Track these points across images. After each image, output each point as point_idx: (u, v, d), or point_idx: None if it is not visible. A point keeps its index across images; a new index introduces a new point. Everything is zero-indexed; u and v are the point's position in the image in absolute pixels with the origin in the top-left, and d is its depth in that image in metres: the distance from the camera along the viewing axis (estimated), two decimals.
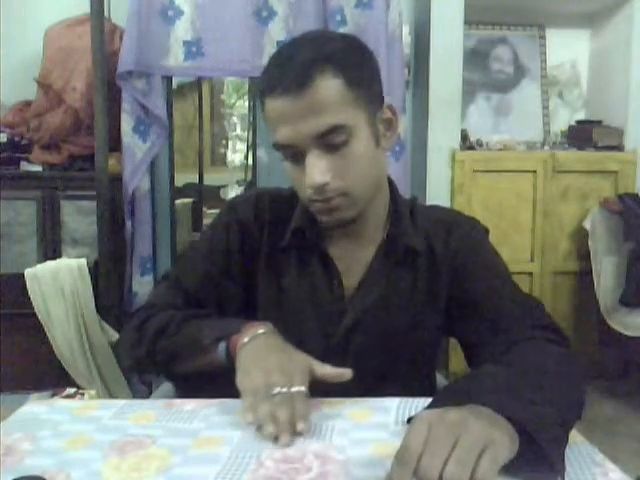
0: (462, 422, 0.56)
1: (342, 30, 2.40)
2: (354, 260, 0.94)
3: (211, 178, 3.16)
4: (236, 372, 0.77)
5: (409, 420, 0.72)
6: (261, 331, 0.80)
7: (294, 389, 0.72)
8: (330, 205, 0.84)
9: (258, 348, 0.78)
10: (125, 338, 0.98)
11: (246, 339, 0.79)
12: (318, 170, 0.81)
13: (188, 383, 0.91)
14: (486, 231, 1.00)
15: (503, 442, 0.56)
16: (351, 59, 0.82)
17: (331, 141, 0.80)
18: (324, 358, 0.92)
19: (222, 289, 0.96)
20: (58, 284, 2.14)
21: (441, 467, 0.52)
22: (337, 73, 0.79)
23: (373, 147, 0.86)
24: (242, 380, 0.75)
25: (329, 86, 0.79)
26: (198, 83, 2.96)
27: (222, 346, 0.82)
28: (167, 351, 0.90)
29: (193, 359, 0.87)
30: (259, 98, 0.85)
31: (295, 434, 0.69)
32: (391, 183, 0.97)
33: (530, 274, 2.79)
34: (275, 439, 0.69)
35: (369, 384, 0.87)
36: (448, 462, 0.53)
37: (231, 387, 0.76)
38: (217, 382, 0.83)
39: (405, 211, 0.96)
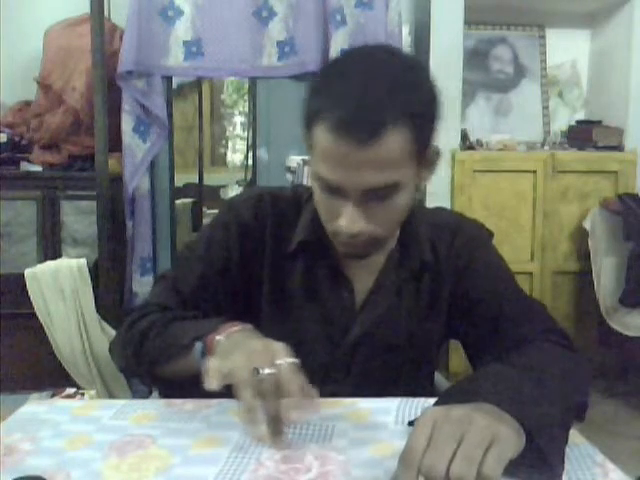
0: (467, 418, 0.55)
1: (342, 30, 2.41)
2: (363, 267, 0.92)
3: (211, 178, 3.15)
4: (210, 358, 0.71)
5: (410, 422, 0.72)
6: (238, 328, 0.76)
7: (280, 361, 0.66)
8: (356, 243, 0.82)
9: (236, 339, 0.74)
10: (117, 339, 0.96)
11: (222, 335, 0.75)
12: (357, 219, 0.77)
13: (173, 390, 0.89)
14: (490, 234, 0.99)
15: (509, 437, 0.55)
16: (424, 105, 0.77)
17: (379, 194, 0.77)
18: (329, 367, 0.92)
19: (219, 291, 0.94)
20: (58, 284, 2.13)
21: (447, 463, 0.52)
22: (409, 125, 0.74)
23: (413, 194, 0.83)
24: (218, 362, 0.68)
25: (398, 141, 0.74)
26: (198, 83, 2.96)
27: (198, 345, 0.77)
28: (150, 353, 0.87)
29: (173, 361, 0.83)
30: (307, 113, 0.78)
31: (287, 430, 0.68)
32: None
33: (530, 274, 2.79)
34: (266, 439, 0.67)
35: (372, 390, 0.87)
36: (454, 458, 0.52)
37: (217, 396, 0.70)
38: (202, 390, 0.81)
39: (414, 217, 0.94)
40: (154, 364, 0.87)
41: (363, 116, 0.72)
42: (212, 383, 0.66)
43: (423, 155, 0.80)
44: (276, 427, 0.67)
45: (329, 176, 0.77)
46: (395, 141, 0.73)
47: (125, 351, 0.92)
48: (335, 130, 0.73)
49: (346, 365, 0.92)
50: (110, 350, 0.99)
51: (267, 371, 0.65)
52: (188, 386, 0.85)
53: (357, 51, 0.82)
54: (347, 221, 0.78)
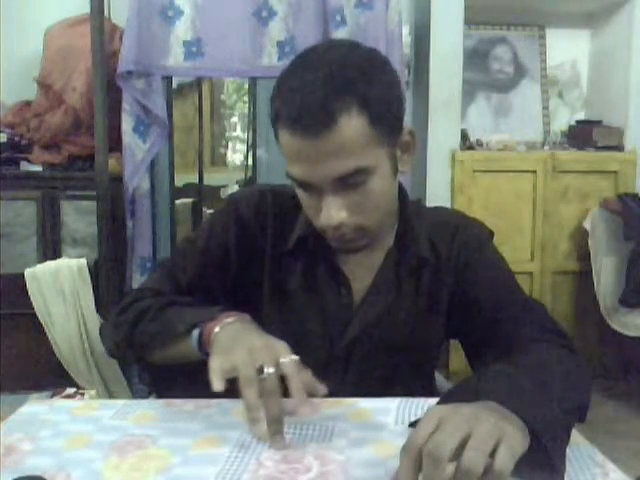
0: (474, 415, 0.55)
1: (342, 30, 2.41)
2: (361, 265, 0.93)
3: (211, 178, 3.15)
4: (210, 355, 0.71)
5: (411, 424, 0.72)
6: (236, 318, 0.77)
7: (283, 359, 0.67)
8: (344, 237, 0.83)
9: (236, 331, 0.74)
10: (108, 322, 0.96)
11: (220, 326, 0.75)
12: (335, 209, 0.78)
13: (163, 376, 0.89)
14: (491, 234, 0.99)
15: (516, 436, 0.55)
16: (376, 89, 0.77)
17: (350, 181, 0.78)
18: (327, 365, 0.92)
19: (216, 284, 0.94)
20: (58, 284, 2.13)
21: (453, 447, 0.51)
22: (362, 110, 0.75)
23: (391, 179, 0.84)
24: (221, 359, 0.68)
25: (353, 126, 0.75)
26: (198, 83, 2.95)
27: (195, 333, 0.78)
28: (143, 337, 0.86)
29: (167, 346, 0.83)
30: (271, 119, 0.80)
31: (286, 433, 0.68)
32: (399, 186, 0.94)
33: (530, 274, 2.79)
34: (266, 439, 0.67)
35: (371, 389, 0.87)
36: (465, 449, 0.51)
37: (208, 384, 0.69)
38: (193, 377, 0.79)
39: (412, 214, 0.94)
40: (146, 348, 0.87)
41: (314, 109, 0.74)
42: (218, 385, 0.66)
43: (391, 138, 0.81)
44: (276, 427, 0.67)
45: (296, 173, 0.79)
46: (350, 127, 0.75)
47: (116, 334, 0.91)
48: (291, 127, 0.75)
49: (344, 363, 0.92)
50: (100, 332, 0.98)
51: (270, 370, 0.66)
52: (177, 372, 0.85)
53: (311, 49, 0.82)
54: (326, 214, 0.79)
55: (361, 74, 0.76)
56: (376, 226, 0.84)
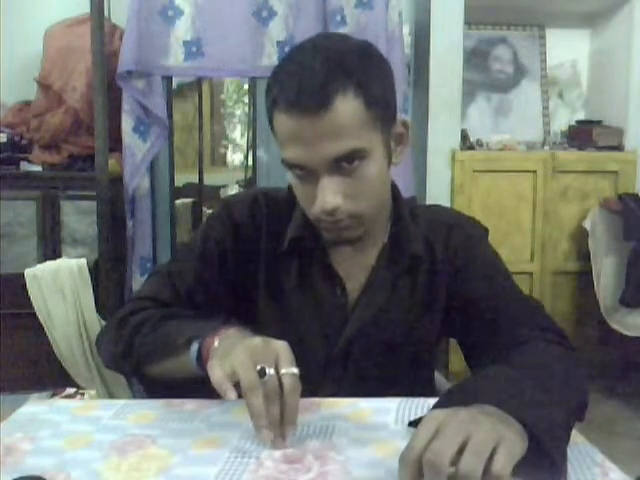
0: (473, 420, 0.55)
1: (342, 30, 2.41)
2: (355, 264, 0.93)
3: (211, 178, 3.15)
4: (209, 362, 0.69)
5: (411, 423, 0.72)
6: (235, 330, 0.75)
7: (283, 371, 0.66)
8: (339, 225, 0.83)
9: (235, 338, 0.73)
10: (106, 332, 0.95)
11: (221, 339, 0.73)
12: (331, 193, 0.78)
13: (158, 390, 0.86)
14: (486, 231, 0.99)
15: (514, 440, 0.55)
16: (371, 75, 0.78)
17: (346, 164, 0.78)
18: (326, 365, 0.91)
19: (215, 288, 0.94)
20: (58, 284, 2.13)
21: (452, 453, 0.51)
22: (358, 92, 0.76)
23: (385, 167, 0.84)
24: (220, 362, 0.67)
25: (349, 108, 0.76)
26: (198, 83, 2.96)
27: (194, 346, 0.75)
28: (141, 348, 0.85)
29: (165, 360, 0.81)
30: (267, 108, 0.81)
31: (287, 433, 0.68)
32: (392, 184, 0.95)
33: (530, 274, 2.79)
34: (270, 441, 0.67)
35: (370, 389, 0.87)
36: (463, 454, 0.51)
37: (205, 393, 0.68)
38: (189, 391, 0.79)
39: (406, 213, 0.94)
40: (144, 360, 0.86)
41: (312, 90, 0.75)
42: (229, 394, 0.64)
43: (386, 126, 0.82)
44: (279, 430, 0.67)
45: (292, 157, 0.79)
46: (346, 109, 0.76)
47: (114, 345, 0.90)
48: (288, 110, 0.76)
49: (342, 363, 0.92)
50: (97, 342, 0.97)
51: (271, 372, 0.66)
52: (174, 386, 0.84)
53: (308, 40, 0.83)
54: (321, 198, 0.79)
55: (358, 60, 0.78)
56: (370, 215, 0.84)
